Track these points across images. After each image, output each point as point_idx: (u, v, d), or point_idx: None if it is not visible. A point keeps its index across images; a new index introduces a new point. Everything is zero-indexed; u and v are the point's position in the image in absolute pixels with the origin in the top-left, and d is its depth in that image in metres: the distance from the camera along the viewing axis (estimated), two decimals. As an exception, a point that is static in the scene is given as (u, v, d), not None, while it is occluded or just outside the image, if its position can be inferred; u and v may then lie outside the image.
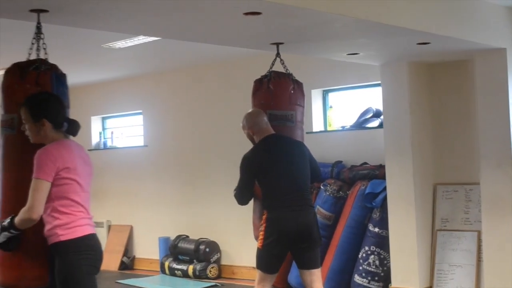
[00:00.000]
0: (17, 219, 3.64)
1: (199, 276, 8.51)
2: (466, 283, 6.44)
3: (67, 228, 3.65)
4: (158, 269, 9.17)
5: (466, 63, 6.54)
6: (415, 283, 6.57)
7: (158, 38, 6.35)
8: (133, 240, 9.92)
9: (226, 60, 8.44)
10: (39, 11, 4.05)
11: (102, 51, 7.58)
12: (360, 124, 7.50)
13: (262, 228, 4.80)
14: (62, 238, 3.65)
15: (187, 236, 8.95)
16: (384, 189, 6.74)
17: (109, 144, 10.44)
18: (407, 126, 6.61)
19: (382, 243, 6.73)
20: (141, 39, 6.89)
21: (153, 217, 9.59)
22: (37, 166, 3.61)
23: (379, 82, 6.91)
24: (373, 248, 6.76)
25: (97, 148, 10.38)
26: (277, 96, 5.31)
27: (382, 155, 6.83)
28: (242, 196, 4.95)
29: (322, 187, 7.13)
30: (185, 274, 8.64)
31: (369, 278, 6.74)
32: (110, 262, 9.56)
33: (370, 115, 7.42)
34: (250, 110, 5.16)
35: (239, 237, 8.37)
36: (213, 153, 8.87)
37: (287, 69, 5.52)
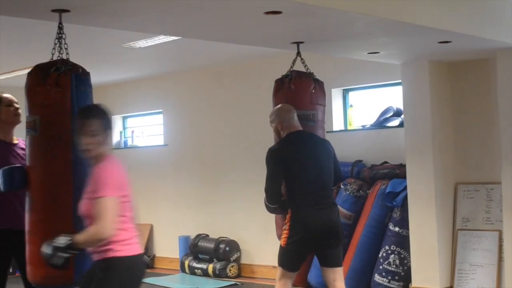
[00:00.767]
0: (83, 239, 3.49)
1: (219, 275, 8.52)
2: (487, 283, 6.40)
3: (124, 244, 3.57)
4: (178, 268, 9.19)
5: (487, 61, 6.50)
6: (435, 283, 6.54)
7: (179, 38, 6.36)
8: (153, 239, 9.95)
9: (246, 59, 8.44)
10: (60, 11, 4.08)
11: (123, 51, 7.61)
12: (381, 123, 7.47)
13: (287, 227, 4.80)
14: (119, 254, 3.53)
15: (207, 235, 8.96)
16: (405, 188, 6.71)
17: (129, 143, 10.49)
18: (428, 125, 6.58)
19: (403, 242, 6.70)
20: (162, 39, 6.90)
21: (173, 216, 9.62)
22: (104, 184, 3.49)
23: (400, 81, 6.89)
24: (393, 248, 6.74)
25: (117, 147, 10.41)
26: (298, 96, 5.30)
27: (403, 154, 6.81)
28: (271, 192, 4.83)
29: (342, 186, 7.11)
30: (205, 273, 8.66)
31: (389, 277, 6.72)
32: (131, 260, 9.58)
33: (391, 114, 7.39)
34: (280, 105, 5.12)
35: (258, 236, 8.38)
36: (233, 152, 8.87)
37: (307, 69, 5.52)
